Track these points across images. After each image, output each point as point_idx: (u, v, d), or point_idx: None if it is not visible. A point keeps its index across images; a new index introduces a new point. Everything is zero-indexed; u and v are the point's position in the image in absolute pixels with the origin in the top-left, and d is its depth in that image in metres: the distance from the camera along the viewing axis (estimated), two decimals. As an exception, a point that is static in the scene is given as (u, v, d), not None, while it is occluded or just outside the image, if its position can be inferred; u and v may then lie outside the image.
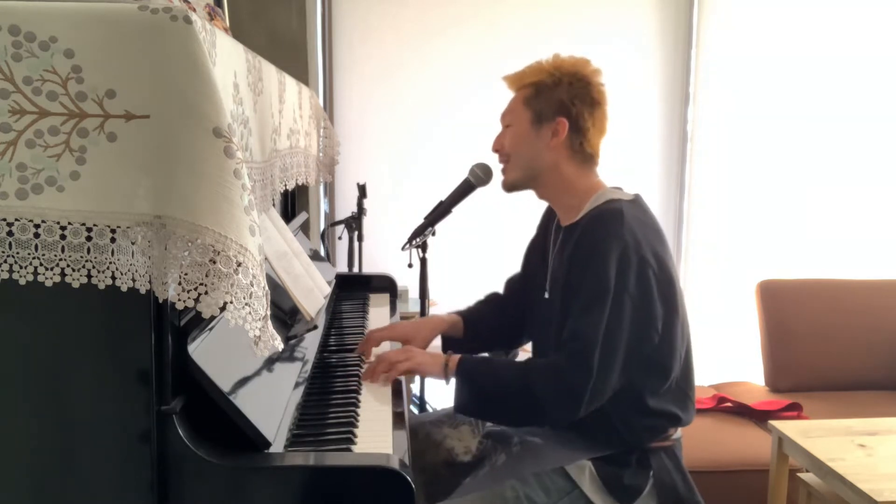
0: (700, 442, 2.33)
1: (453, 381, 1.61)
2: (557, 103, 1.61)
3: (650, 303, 1.52)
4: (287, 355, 1.48)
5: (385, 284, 2.43)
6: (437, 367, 1.61)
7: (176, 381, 1.08)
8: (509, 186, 1.71)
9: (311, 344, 1.67)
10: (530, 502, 1.53)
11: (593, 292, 1.50)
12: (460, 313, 1.93)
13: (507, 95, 1.74)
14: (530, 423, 1.63)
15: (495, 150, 1.71)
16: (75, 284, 1.00)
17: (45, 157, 0.97)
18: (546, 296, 1.69)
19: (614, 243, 1.50)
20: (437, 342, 1.91)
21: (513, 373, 1.57)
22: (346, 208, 3.25)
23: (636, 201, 1.63)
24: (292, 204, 2.36)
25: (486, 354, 2.05)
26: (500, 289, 1.96)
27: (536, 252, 1.82)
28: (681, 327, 1.60)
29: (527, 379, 1.52)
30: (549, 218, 1.81)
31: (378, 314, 2.21)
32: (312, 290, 1.62)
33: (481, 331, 1.91)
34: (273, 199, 1.48)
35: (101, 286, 1.00)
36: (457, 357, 1.61)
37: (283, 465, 1.14)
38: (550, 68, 1.64)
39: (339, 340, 1.93)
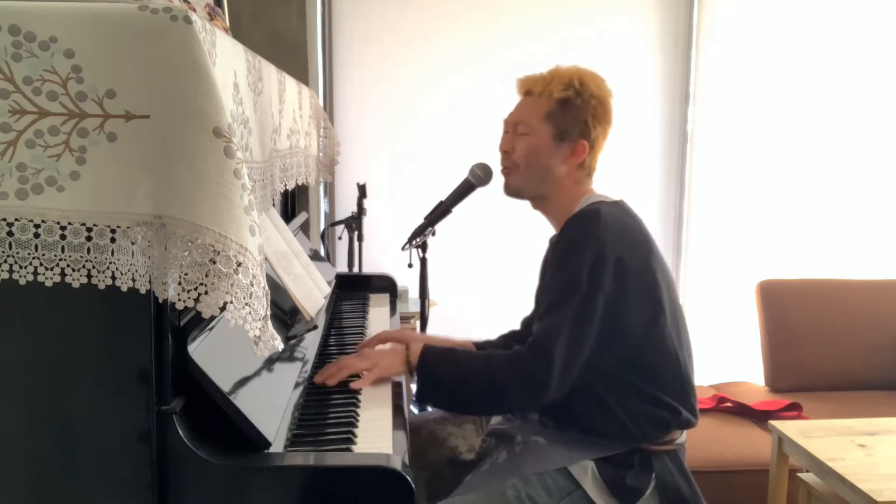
0: (700, 442, 2.33)
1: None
2: (582, 124, 1.63)
3: (625, 301, 1.53)
4: (287, 355, 1.48)
5: (385, 284, 2.43)
6: (400, 364, 1.58)
7: (176, 381, 1.08)
8: (513, 193, 1.71)
9: (311, 344, 1.67)
10: (532, 502, 1.53)
11: (564, 288, 1.52)
12: (475, 343, 1.92)
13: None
14: (491, 412, 1.69)
15: (504, 150, 1.70)
16: (75, 284, 1.00)
17: (45, 157, 0.97)
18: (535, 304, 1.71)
19: (590, 242, 1.52)
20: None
21: (475, 364, 1.56)
22: (346, 208, 3.25)
23: (619, 204, 1.65)
24: (292, 204, 2.36)
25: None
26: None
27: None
28: (672, 326, 1.60)
29: (489, 370, 1.53)
30: (547, 252, 1.82)
31: (378, 314, 2.21)
32: (312, 290, 1.62)
33: None
34: (273, 199, 1.48)
35: (101, 286, 1.00)
36: (417, 348, 1.59)
37: (283, 465, 1.14)
38: (577, 85, 1.63)
39: (339, 340, 1.93)
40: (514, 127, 1.69)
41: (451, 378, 1.55)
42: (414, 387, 1.84)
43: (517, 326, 1.95)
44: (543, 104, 1.65)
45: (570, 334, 1.49)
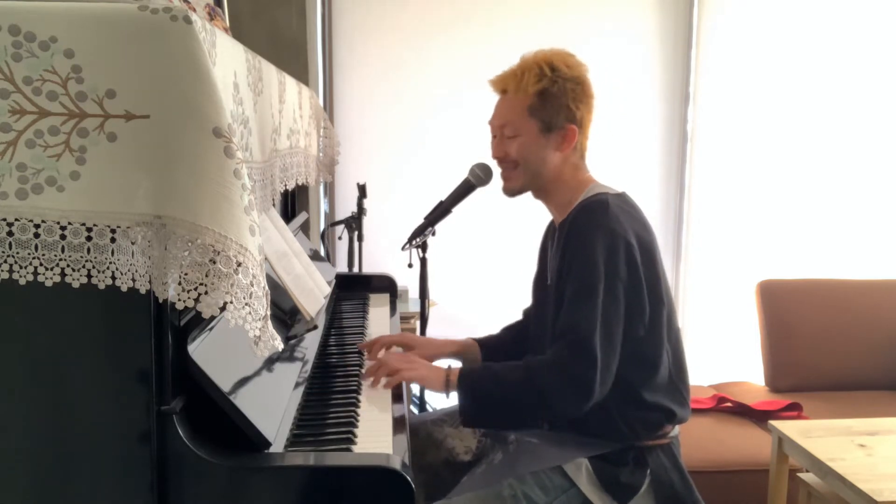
0: (700, 442, 2.33)
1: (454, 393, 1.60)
2: (565, 110, 1.62)
3: (639, 290, 1.54)
4: (287, 355, 1.48)
5: (385, 284, 2.43)
6: (439, 381, 1.59)
7: (176, 381, 1.08)
8: (514, 193, 1.71)
9: (311, 344, 1.67)
10: (528, 500, 1.53)
11: (584, 281, 1.51)
12: (477, 340, 1.92)
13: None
14: (538, 419, 1.63)
15: (498, 156, 1.69)
16: (75, 284, 1.00)
17: (45, 157, 0.97)
18: (548, 283, 1.69)
19: (601, 232, 1.52)
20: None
21: (516, 374, 1.55)
22: (346, 208, 3.25)
23: (623, 196, 1.65)
24: (292, 204, 2.36)
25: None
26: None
27: (539, 275, 1.82)
28: (667, 319, 1.61)
29: (531, 378, 1.52)
30: (546, 236, 1.82)
31: (378, 314, 2.21)
32: (312, 290, 1.62)
33: (501, 358, 1.86)
34: (273, 199, 1.48)
35: (101, 286, 1.00)
36: (457, 370, 1.59)
37: (283, 465, 1.14)
38: (550, 72, 1.61)
39: (339, 340, 1.93)
40: (500, 130, 1.68)
41: (494, 392, 1.55)
42: (416, 388, 1.85)
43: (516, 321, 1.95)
44: (522, 100, 1.63)
45: (602, 327, 1.48)
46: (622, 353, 1.53)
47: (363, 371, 1.63)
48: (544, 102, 1.62)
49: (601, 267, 1.50)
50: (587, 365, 1.48)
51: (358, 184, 2.80)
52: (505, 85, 1.66)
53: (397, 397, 1.55)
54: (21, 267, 0.99)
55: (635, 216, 1.61)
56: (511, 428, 1.66)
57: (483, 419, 1.63)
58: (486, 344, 1.91)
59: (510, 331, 1.95)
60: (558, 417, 1.61)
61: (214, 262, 0.96)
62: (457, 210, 2.04)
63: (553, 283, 1.62)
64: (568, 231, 1.59)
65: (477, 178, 1.98)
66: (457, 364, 1.73)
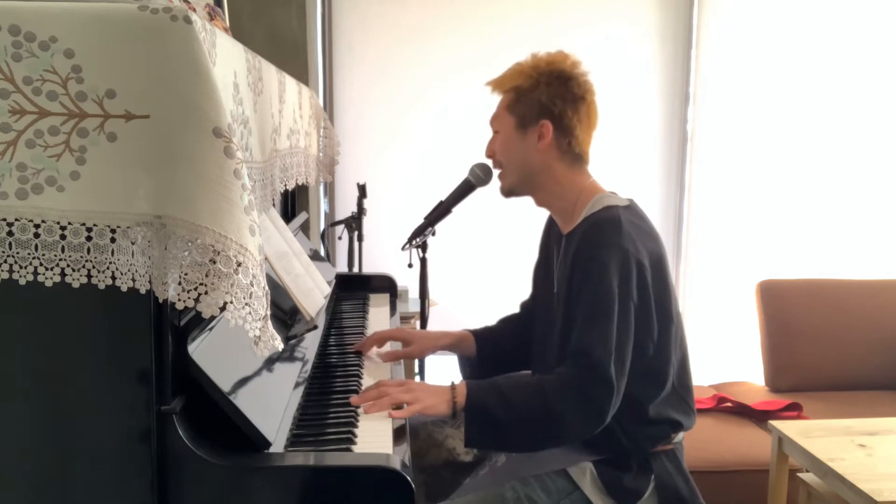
0: (700, 442, 2.33)
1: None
2: (538, 106, 1.59)
3: (649, 311, 1.52)
4: (287, 355, 1.48)
5: (385, 284, 2.43)
6: (445, 406, 1.47)
7: (176, 381, 1.08)
8: (506, 192, 1.70)
9: (311, 344, 1.67)
10: (531, 502, 1.53)
11: (598, 304, 1.48)
12: (473, 332, 1.89)
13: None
14: (547, 444, 1.53)
15: (488, 155, 1.71)
16: (75, 284, 1.00)
17: (45, 157, 0.97)
18: (555, 290, 1.68)
19: (614, 252, 1.49)
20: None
21: (527, 394, 1.49)
22: (346, 208, 3.25)
23: (631, 207, 1.62)
24: (292, 204, 2.36)
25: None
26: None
27: (541, 269, 1.81)
28: (675, 333, 1.59)
29: (545, 399, 1.46)
30: (549, 231, 1.80)
31: (378, 314, 2.21)
32: (312, 290, 1.62)
33: (497, 351, 1.86)
34: (273, 199, 1.48)
35: (101, 286, 1.00)
36: (463, 390, 1.50)
37: (283, 465, 1.14)
38: (528, 70, 1.62)
39: (339, 340, 1.93)
40: (493, 130, 1.70)
41: (504, 414, 1.46)
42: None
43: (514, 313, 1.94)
44: (504, 98, 1.66)
45: (616, 352, 1.45)
46: (630, 372, 1.50)
47: (358, 396, 1.50)
48: (519, 98, 1.62)
49: (615, 290, 1.47)
50: (604, 393, 1.45)
51: (358, 184, 2.80)
52: (495, 86, 1.69)
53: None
54: (21, 267, 0.99)
55: (645, 229, 1.58)
56: (517, 450, 1.60)
57: (489, 443, 1.55)
58: (482, 336, 1.88)
59: (507, 323, 1.92)
60: (566, 441, 1.55)
61: (214, 262, 0.96)
62: (457, 210, 2.04)
63: (561, 295, 1.61)
64: (578, 247, 1.55)
65: (477, 178, 1.98)
66: (456, 373, 1.72)
